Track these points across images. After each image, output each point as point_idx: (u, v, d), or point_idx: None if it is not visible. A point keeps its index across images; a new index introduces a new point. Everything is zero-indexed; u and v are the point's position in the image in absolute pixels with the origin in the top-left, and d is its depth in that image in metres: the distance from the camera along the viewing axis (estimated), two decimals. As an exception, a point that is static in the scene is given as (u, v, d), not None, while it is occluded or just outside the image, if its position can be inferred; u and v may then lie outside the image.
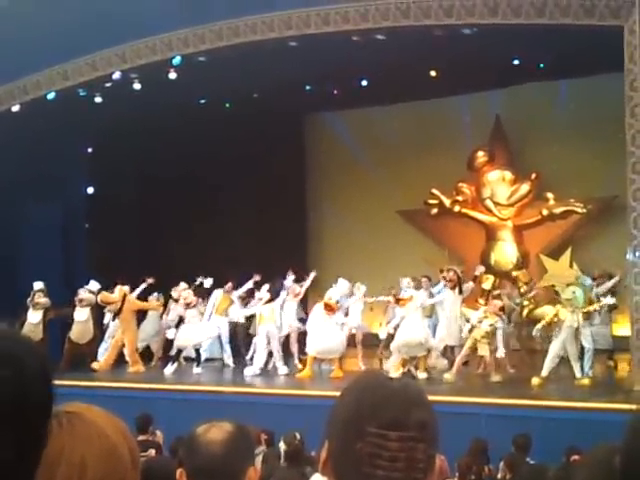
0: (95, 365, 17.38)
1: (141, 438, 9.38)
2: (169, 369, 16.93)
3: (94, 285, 17.97)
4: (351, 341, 16.70)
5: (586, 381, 13.73)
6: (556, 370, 14.16)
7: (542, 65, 17.97)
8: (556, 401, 12.61)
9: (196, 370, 16.95)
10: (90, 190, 20.50)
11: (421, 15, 14.19)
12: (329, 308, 15.73)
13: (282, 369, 16.29)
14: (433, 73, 18.09)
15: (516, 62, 17.63)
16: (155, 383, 15.78)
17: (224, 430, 2.69)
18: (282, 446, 8.66)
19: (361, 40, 15.00)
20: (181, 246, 20.22)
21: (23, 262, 18.72)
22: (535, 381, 13.82)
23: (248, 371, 16.33)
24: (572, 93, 20.04)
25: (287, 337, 17.32)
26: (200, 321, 17.29)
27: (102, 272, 18.70)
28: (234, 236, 20.53)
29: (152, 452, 8.44)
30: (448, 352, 16.61)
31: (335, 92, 20.37)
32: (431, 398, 1.74)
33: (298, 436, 8.42)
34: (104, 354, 17.84)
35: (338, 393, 1.73)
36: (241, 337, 18.50)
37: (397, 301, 15.65)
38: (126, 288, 17.80)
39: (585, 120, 19.76)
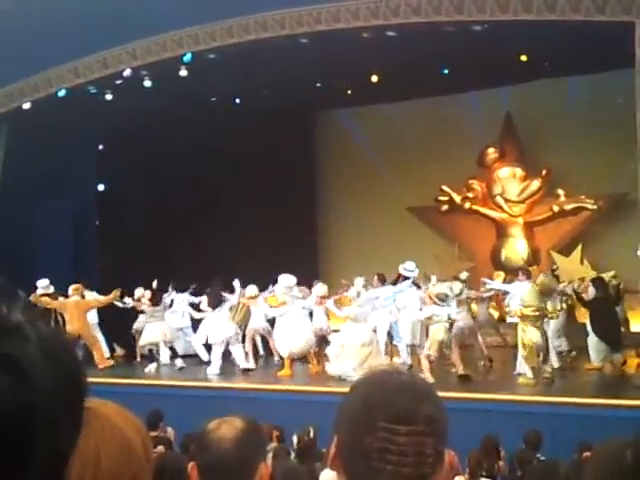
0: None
1: (152, 434, 9.40)
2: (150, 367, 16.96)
3: (43, 282, 17.46)
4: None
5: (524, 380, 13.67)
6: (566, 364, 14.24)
7: (553, 62, 17.91)
8: (567, 397, 12.58)
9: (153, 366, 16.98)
10: (100, 187, 20.55)
11: (432, 12, 14.17)
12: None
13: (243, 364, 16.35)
14: (444, 70, 18.07)
15: (526, 59, 17.58)
16: (165, 380, 15.83)
17: (235, 426, 2.69)
18: (294, 439, 8.67)
19: (372, 37, 14.99)
20: (190, 243, 20.25)
21: (33, 258, 18.76)
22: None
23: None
24: (583, 90, 19.99)
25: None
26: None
27: (112, 269, 18.76)
28: (243, 234, 20.54)
29: (161, 448, 8.45)
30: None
31: (349, 92, 20.35)
32: (442, 394, 1.74)
33: (312, 432, 8.42)
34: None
35: (345, 389, 1.74)
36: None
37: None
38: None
39: (595, 117, 19.71)
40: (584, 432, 9.48)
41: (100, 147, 20.35)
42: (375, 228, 22.13)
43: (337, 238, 23.29)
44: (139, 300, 17.85)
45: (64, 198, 19.19)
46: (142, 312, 17.73)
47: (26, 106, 17.20)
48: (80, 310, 17.12)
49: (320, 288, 16.68)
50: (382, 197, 22.11)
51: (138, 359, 18.33)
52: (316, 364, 15.74)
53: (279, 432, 10.04)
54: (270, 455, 8.21)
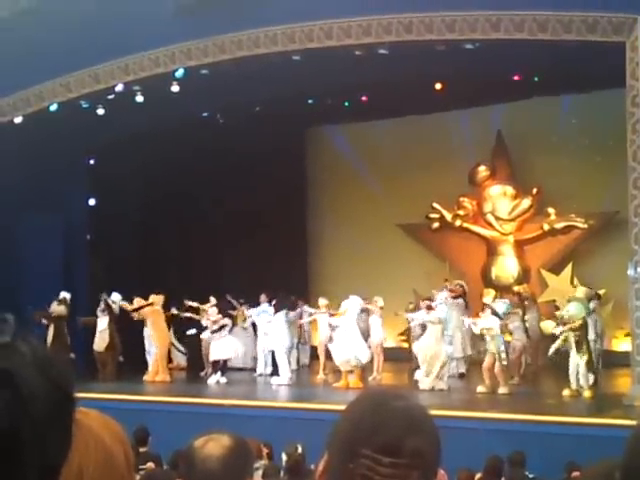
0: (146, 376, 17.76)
1: (141, 450, 9.36)
2: (212, 379, 17.16)
3: (116, 297, 18.22)
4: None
5: (588, 393, 13.87)
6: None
7: (544, 81, 17.96)
8: (556, 416, 12.57)
9: (216, 379, 17.16)
10: (92, 202, 20.51)
11: (424, 30, 14.21)
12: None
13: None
14: (436, 87, 18.08)
15: (518, 77, 17.64)
16: (155, 395, 15.74)
17: (222, 444, 2.66)
18: (284, 457, 8.61)
19: (363, 54, 15.02)
20: (181, 258, 20.22)
21: (24, 273, 18.70)
22: (566, 392, 14.02)
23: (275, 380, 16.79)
24: (574, 109, 20.06)
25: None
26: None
27: (103, 283, 18.71)
28: (235, 249, 20.52)
29: (150, 465, 8.41)
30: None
31: (346, 104, 20.38)
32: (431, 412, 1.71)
33: (300, 448, 8.36)
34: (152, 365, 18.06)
35: (341, 407, 1.71)
36: None
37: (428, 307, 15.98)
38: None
39: (587, 136, 19.78)
40: (573, 452, 9.47)
41: (91, 161, 20.33)
42: (365, 245, 22.13)
43: (327, 254, 23.26)
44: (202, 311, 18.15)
45: (55, 212, 19.16)
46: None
47: (18, 120, 17.18)
48: (160, 319, 17.85)
49: (379, 301, 17.10)
50: (373, 214, 22.11)
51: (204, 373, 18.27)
52: (359, 379, 15.88)
53: (269, 449, 9.96)
54: (260, 473, 8.19)
